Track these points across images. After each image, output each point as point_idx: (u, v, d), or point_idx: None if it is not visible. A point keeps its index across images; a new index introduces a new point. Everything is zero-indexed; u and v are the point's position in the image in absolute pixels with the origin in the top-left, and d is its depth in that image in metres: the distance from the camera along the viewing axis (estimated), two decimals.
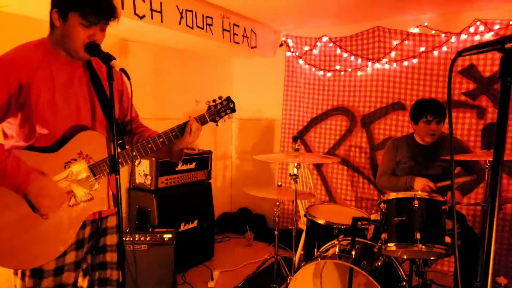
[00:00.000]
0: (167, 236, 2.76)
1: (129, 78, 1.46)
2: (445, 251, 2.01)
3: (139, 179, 3.29)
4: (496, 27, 3.24)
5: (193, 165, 3.58)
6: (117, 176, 1.46)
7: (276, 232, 3.03)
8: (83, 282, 1.64)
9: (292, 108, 4.34)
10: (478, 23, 3.29)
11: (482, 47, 0.79)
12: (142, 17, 2.80)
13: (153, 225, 3.10)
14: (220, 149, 4.66)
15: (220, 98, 1.77)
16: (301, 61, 4.18)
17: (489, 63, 3.30)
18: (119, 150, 1.52)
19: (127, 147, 1.64)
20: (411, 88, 3.66)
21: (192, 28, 3.24)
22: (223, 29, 3.60)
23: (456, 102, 3.46)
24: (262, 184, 4.35)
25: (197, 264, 3.54)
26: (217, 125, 1.76)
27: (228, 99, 1.77)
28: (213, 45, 3.73)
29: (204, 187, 3.74)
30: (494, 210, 0.79)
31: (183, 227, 3.41)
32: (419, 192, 2.14)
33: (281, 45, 4.34)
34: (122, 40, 3.40)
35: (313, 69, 4.12)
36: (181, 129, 1.67)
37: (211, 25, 3.45)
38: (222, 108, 1.76)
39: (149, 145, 1.61)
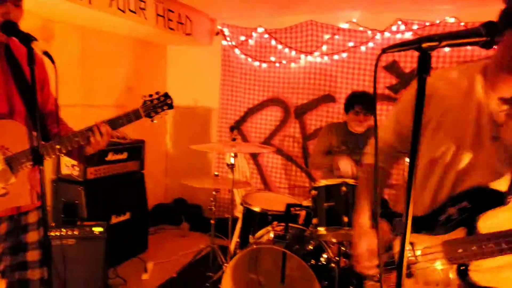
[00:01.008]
0: (97, 229, 2.65)
1: (53, 62, 1.34)
2: None
3: (65, 170, 3.10)
4: (415, 27, 3.52)
5: (124, 155, 3.44)
6: (42, 167, 1.36)
7: (212, 221, 3.05)
8: (0, 284, 1.52)
9: (229, 97, 4.34)
10: (399, 22, 3.55)
11: (403, 46, 0.85)
12: None
13: (81, 219, 2.95)
14: (153, 138, 4.53)
15: (157, 93, 1.67)
16: (237, 51, 4.19)
17: (409, 60, 3.58)
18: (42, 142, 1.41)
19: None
20: (340, 81, 3.85)
21: (123, 11, 3.09)
22: (157, 14, 3.49)
23: (381, 96, 3.72)
24: (199, 174, 4.32)
25: (131, 257, 3.44)
26: (152, 121, 1.68)
27: (166, 95, 1.69)
28: (147, 30, 3.60)
29: (137, 178, 3.63)
30: (410, 195, 0.86)
31: (114, 220, 3.28)
32: (342, 172, 2.32)
33: (217, 33, 4.31)
34: (46, 20, 3.15)
35: (249, 59, 4.15)
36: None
37: (144, 9, 3.32)
38: (159, 103, 1.66)
39: (77, 139, 1.50)
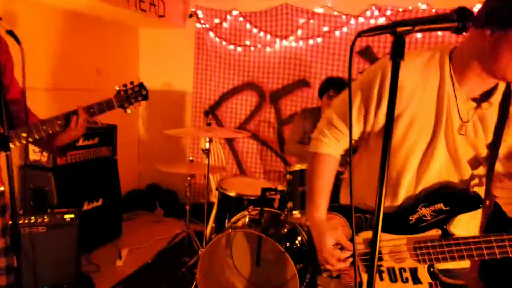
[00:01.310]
0: (68, 216, 2.58)
1: (18, 42, 1.27)
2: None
3: (33, 156, 2.99)
4: (388, 12, 3.56)
5: (96, 140, 3.36)
6: (8, 153, 1.29)
7: (187, 207, 3.04)
8: None
9: (203, 81, 4.28)
10: (373, 8, 3.57)
11: (378, 30, 0.85)
12: None
13: (52, 206, 2.87)
14: (125, 123, 4.42)
15: (131, 83, 1.62)
16: (211, 34, 4.12)
17: (382, 45, 3.62)
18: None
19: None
20: (315, 66, 3.86)
21: None
22: None
23: (354, 80, 3.74)
24: (173, 159, 4.28)
25: (104, 244, 3.39)
26: (125, 111, 1.63)
27: (141, 85, 1.64)
28: (117, 11, 3.47)
29: (109, 164, 3.55)
30: (384, 181, 0.85)
31: (86, 206, 3.22)
32: None
33: (190, 15, 4.21)
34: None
35: (224, 42, 4.09)
36: (67, 118, 1.50)
37: None
38: (133, 94, 1.62)
39: (45, 127, 1.44)
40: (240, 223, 2.39)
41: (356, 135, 1.29)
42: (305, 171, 2.31)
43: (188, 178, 2.99)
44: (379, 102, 1.18)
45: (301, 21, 3.80)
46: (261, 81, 4.08)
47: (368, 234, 1.23)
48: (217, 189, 2.81)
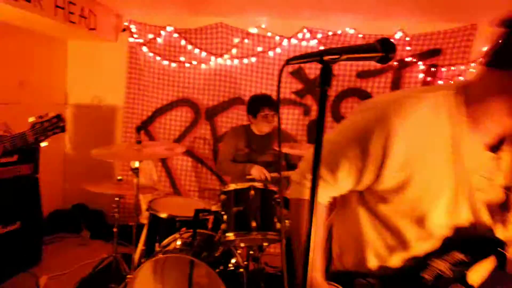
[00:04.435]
0: None
1: None
2: (277, 236, 2.21)
3: None
4: (319, 35, 3.72)
5: (14, 158, 3.06)
6: None
7: (115, 229, 2.86)
8: None
9: (135, 96, 4.13)
10: (305, 30, 3.72)
11: (306, 58, 0.87)
12: None
13: None
14: (50, 139, 4.11)
15: (47, 114, 1.50)
16: (145, 49, 4.01)
17: (314, 67, 3.77)
18: None
19: None
20: (250, 85, 3.91)
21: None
22: (56, 6, 3.17)
23: (287, 100, 3.86)
24: (101, 177, 4.03)
25: (20, 271, 3.07)
26: (39, 145, 1.50)
27: (59, 117, 1.52)
28: (44, 22, 3.25)
29: (29, 183, 3.25)
30: (314, 198, 0.85)
31: (1, 231, 2.90)
32: (256, 178, 2.35)
33: (124, 30, 4.07)
34: None
35: (158, 58, 4.00)
36: None
37: None
38: (50, 126, 1.50)
39: None
40: (171, 246, 2.29)
41: (345, 189, 1.12)
42: (239, 191, 2.29)
43: (116, 199, 2.82)
44: (384, 161, 0.99)
45: (236, 40, 3.85)
46: (196, 97, 4.03)
47: None
48: (147, 210, 2.68)
